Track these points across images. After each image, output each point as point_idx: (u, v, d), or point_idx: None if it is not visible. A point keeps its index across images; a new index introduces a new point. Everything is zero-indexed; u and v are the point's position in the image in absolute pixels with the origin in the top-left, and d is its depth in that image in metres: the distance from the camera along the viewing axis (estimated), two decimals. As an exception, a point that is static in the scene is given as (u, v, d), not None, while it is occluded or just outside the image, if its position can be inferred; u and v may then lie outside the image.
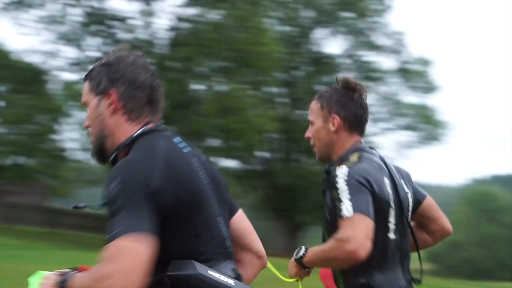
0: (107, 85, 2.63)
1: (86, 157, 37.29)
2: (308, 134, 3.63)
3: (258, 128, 32.28)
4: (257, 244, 2.83)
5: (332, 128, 3.51)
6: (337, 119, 3.50)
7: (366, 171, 3.30)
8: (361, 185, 3.23)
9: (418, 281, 3.51)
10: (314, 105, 3.59)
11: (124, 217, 2.25)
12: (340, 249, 3.13)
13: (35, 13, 35.59)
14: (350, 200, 3.18)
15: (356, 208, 3.16)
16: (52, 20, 35.55)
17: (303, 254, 3.44)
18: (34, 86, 34.41)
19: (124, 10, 36.47)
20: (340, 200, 3.22)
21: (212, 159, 35.02)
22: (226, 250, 2.56)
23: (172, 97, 33.19)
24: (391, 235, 3.37)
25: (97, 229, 34.62)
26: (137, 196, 2.30)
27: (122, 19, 35.90)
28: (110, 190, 2.33)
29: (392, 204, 3.38)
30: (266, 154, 39.87)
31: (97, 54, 36.28)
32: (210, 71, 35.18)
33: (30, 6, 35.20)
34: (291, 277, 3.53)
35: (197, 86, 35.88)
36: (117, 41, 35.49)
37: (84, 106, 2.70)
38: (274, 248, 32.23)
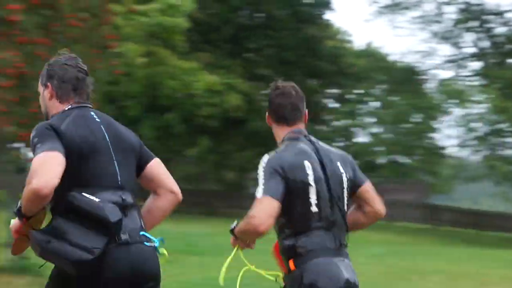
0: (46, 80, 3.88)
1: (465, 154, 37.27)
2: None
3: None
4: (170, 183, 3.90)
5: (268, 119, 4.30)
6: (267, 116, 4.29)
7: (282, 159, 3.97)
8: (275, 172, 3.91)
9: (345, 246, 4.06)
10: None
11: (41, 145, 3.47)
12: (248, 224, 3.89)
13: (410, 14, 36.36)
14: (263, 184, 3.89)
15: (265, 192, 3.85)
16: (427, 20, 36.01)
17: (235, 225, 4.06)
18: (410, 86, 35.18)
19: (501, 4, 35.65)
20: (257, 184, 3.94)
21: None
22: (116, 182, 3.68)
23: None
24: (314, 208, 3.94)
25: (477, 225, 34.36)
26: (48, 134, 3.53)
27: (498, 13, 35.13)
28: (30, 139, 3.57)
29: (312, 183, 3.95)
30: None
31: (473, 50, 35.98)
32: None
33: (406, 8, 36.05)
34: (232, 246, 4.14)
35: None
36: (492, 36, 34.85)
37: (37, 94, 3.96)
38: None
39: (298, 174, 3.93)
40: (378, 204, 4.24)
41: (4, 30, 9.38)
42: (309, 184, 3.94)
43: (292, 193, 3.91)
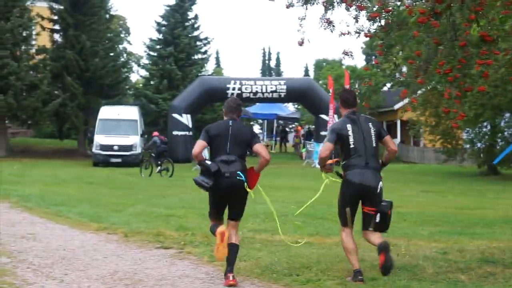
0: (223, 107, 8.64)
1: None
2: None
3: None
4: (263, 153, 8.12)
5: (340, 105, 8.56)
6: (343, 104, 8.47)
7: (336, 125, 8.24)
8: (333, 130, 8.11)
9: (372, 163, 8.05)
10: None
11: (200, 136, 8.30)
12: (319, 153, 8.19)
13: None
14: (327, 136, 8.15)
15: (327, 140, 8.03)
16: None
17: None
18: None
19: None
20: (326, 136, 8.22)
21: None
22: (225, 151, 8.12)
23: None
24: (351, 146, 7.99)
25: None
26: (204, 133, 8.26)
27: None
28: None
29: (351, 134, 8.02)
30: None
31: None
32: None
33: None
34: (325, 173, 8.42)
35: None
36: None
37: None
38: None
39: (344, 131, 8.09)
40: (392, 145, 8.18)
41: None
42: (349, 135, 8.07)
43: (342, 140, 8.05)
